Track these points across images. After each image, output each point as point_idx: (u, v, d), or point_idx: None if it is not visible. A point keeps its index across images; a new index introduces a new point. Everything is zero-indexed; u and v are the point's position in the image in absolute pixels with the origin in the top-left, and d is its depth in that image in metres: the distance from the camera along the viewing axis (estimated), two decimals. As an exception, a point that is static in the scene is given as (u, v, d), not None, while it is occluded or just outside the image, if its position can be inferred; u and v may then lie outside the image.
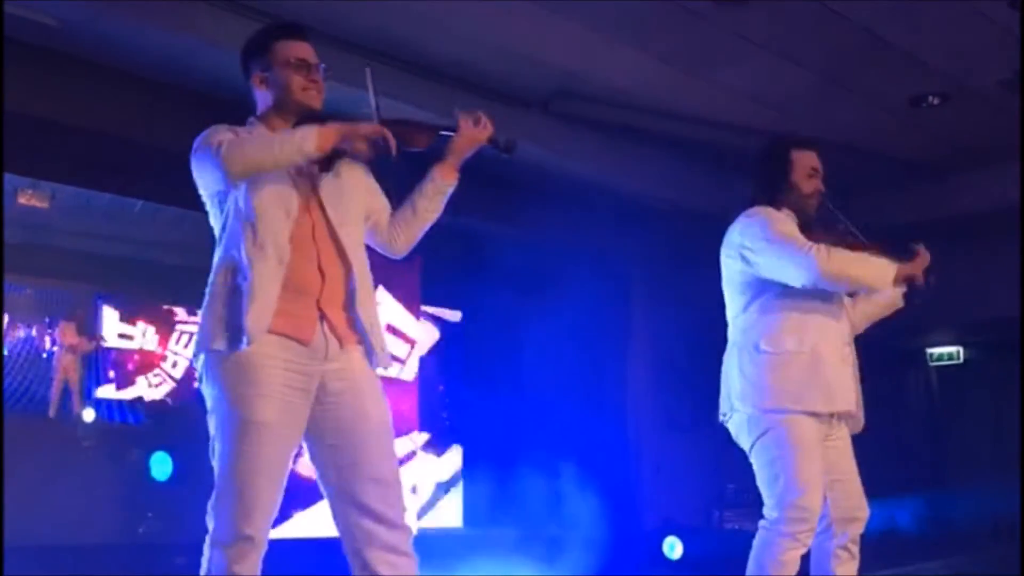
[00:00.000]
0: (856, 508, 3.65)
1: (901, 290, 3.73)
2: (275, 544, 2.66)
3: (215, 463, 2.62)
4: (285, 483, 2.65)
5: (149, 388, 6.76)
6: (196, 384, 2.80)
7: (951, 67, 5.58)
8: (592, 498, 7.09)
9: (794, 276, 3.50)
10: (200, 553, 2.61)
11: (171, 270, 6.38)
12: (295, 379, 2.61)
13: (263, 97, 2.82)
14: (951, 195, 7.15)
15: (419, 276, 6.99)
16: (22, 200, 6.00)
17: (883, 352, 7.52)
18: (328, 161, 2.74)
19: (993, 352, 8.69)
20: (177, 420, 6.30)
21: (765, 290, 3.59)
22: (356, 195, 2.82)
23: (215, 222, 2.77)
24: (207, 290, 2.70)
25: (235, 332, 2.58)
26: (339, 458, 2.68)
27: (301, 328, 2.63)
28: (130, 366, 6.90)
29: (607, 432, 7.69)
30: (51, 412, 7.14)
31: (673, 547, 7.07)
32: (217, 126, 2.71)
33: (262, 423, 2.56)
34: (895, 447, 7.89)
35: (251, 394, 2.56)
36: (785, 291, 3.54)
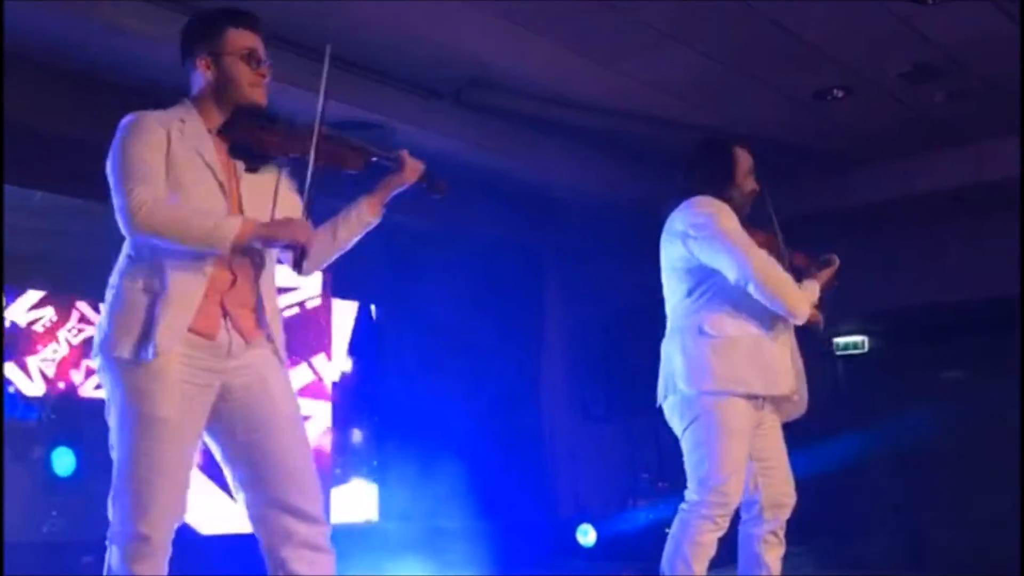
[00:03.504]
0: (785, 494, 3.78)
1: None
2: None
3: (114, 457, 2.56)
4: (188, 483, 2.58)
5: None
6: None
7: (855, 61, 5.70)
8: (506, 487, 7.11)
9: (728, 271, 3.59)
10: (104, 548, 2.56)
11: (73, 262, 6.21)
12: (197, 375, 2.56)
13: (203, 80, 2.71)
14: (855, 185, 7.33)
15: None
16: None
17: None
18: (251, 160, 2.70)
19: (897, 341, 8.90)
20: (80, 414, 6.14)
21: (709, 276, 3.67)
22: (273, 200, 2.73)
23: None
24: (111, 288, 2.61)
25: (143, 341, 2.50)
26: (252, 454, 2.64)
27: (207, 325, 2.57)
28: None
29: (521, 422, 7.72)
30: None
31: (586, 533, 7.13)
32: (142, 128, 2.58)
33: (161, 419, 2.50)
34: (802, 436, 8.04)
35: (151, 389, 2.50)
36: (728, 279, 3.63)
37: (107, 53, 4.97)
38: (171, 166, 2.58)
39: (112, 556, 2.53)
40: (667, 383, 3.75)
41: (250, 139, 2.70)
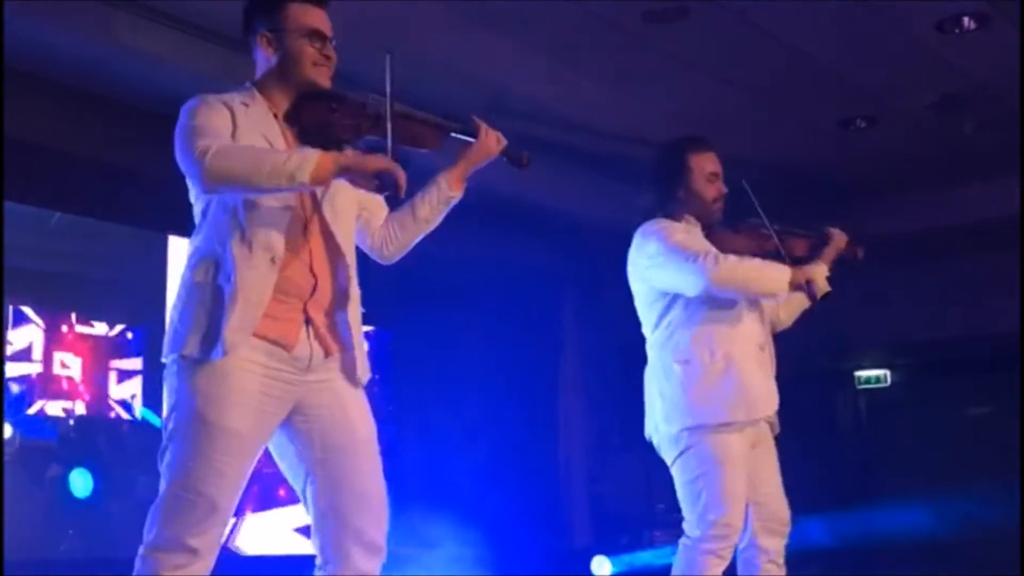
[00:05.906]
0: (782, 521, 3.62)
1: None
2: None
3: (164, 468, 2.41)
4: (240, 494, 2.47)
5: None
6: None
7: (879, 90, 5.67)
8: (522, 516, 7.05)
9: (685, 285, 3.45)
10: (122, 566, 2.43)
11: (90, 283, 6.25)
12: (274, 387, 2.43)
13: (265, 60, 2.57)
14: (879, 216, 7.24)
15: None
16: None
17: (812, 375, 7.58)
18: (324, 146, 2.49)
19: (919, 375, 8.80)
20: (98, 435, 6.16)
21: (672, 305, 3.56)
22: (351, 189, 2.57)
23: (195, 202, 2.54)
24: (181, 285, 2.48)
25: (211, 339, 2.36)
26: (326, 471, 2.53)
27: (286, 333, 2.44)
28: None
29: (537, 451, 7.66)
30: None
31: (601, 565, 7.04)
32: (206, 104, 2.45)
33: (232, 431, 2.36)
34: (824, 470, 7.96)
35: (224, 397, 2.36)
36: (691, 304, 3.51)
37: (125, 76, 4.96)
38: (237, 141, 2.43)
39: (146, 566, 2.35)
40: (650, 421, 3.64)
41: (319, 123, 2.54)
